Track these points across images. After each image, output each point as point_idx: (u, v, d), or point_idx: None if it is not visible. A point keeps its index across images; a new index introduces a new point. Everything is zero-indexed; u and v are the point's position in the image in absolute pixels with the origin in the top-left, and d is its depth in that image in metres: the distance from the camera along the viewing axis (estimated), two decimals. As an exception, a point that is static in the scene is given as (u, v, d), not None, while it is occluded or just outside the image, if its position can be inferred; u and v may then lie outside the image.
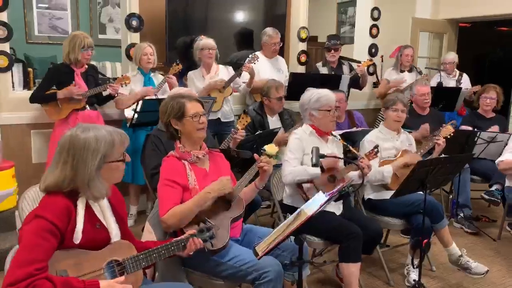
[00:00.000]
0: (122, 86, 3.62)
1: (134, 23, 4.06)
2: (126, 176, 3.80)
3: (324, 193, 2.55)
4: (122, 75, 3.67)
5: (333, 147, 2.81)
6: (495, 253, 3.53)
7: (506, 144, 3.62)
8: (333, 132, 2.85)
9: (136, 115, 3.46)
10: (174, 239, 1.88)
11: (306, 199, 2.68)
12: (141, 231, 3.59)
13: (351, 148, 2.76)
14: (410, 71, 5.00)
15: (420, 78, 4.76)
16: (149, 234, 2.19)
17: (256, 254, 1.74)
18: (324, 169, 2.58)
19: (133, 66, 4.06)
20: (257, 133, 3.19)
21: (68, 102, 3.43)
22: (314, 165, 2.24)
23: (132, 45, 4.06)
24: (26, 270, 1.43)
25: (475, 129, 3.85)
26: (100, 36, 7.02)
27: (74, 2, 6.96)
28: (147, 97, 3.59)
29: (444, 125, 3.70)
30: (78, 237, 1.59)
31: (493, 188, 3.86)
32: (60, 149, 1.64)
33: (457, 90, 4.81)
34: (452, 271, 3.12)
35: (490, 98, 4.26)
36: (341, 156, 2.80)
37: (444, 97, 4.61)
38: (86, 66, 3.54)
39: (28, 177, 3.41)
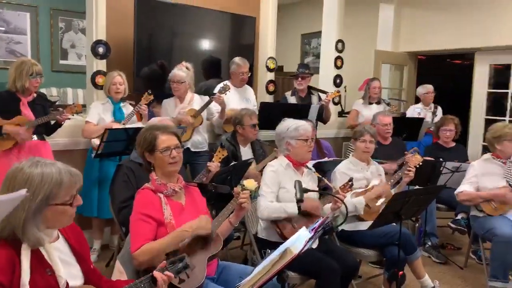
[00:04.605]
0: (73, 115, 3.48)
1: (101, 50, 3.95)
2: (91, 209, 3.63)
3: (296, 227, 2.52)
4: (73, 103, 3.53)
5: (308, 180, 2.79)
6: (463, 282, 3.58)
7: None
8: (307, 164, 2.85)
9: (101, 145, 3.33)
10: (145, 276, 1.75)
11: (281, 234, 2.63)
12: (105, 266, 3.45)
13: (326, 181, 2.75)
14: (378, 103, 5.12)
15: (390, 109, 4.87)
16: (119, 274, 2.05)
17: (238, 295, 1.66)
18: (301, 210, 2.55)
19: (98, 94, 3.94)
20: (231, 164, 3.13)
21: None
22: (298, 200, 2.20)
23: (98, 72, 3.94)
24: None
25: (441, 159, 3.96)
26: (62, 62, 6.81)
27: (35, 26, 6.75)
28: (114, 127, 3.47)
29: (406, 152, 3.80)
30: None
31: (459, 216, 3.96)
32: (4, 181, 1.48)
33: (419, 120, 4.96)
34: (424, 302, 3.12)
35: (449, 130, 4.42)
36: (317, 189, 2.78)
37: (406, 127, 4.74)
38: (34, 95, 3.35)
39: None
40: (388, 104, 5.15)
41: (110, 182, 3.35)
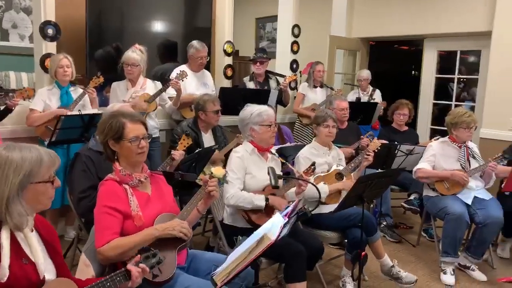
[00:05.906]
0: (24, 100, 3.29)
1: (50, 31, 3.71)
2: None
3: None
4: (23, 88, 3.34)
5: (273, 165, 2.78)
6: (416, 259, 3.77)
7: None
8: (271, 149, 2.86)
9: (55, 132, 3.16)
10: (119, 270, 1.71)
11: (248, 219, 2.64)
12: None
13: (290, 165, 2.77)
14: (321, 87, 5.23)
15: (336, 93, 4.97)
16: (85, 268, 1.97)
17: (214, 284, 1.64)
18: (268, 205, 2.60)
19: (49, 78, 3.72)
20: (196, 151, 3.08)
21: None
22: (274, 187, 2.20)
23: (48, 55, 3.72)
24: None
25: (396, 142, 4.11)
26: (2, 43, 6.33)
27: (-30, 4, 6.23)
28: (68, 113, 3.30)
29: (362, 137, 3.94)
30: (4, 273, 1.40)
31: (412, 197, 4.15)
32: None
33: (373, 105, 5.12)
34: (383, 280, 3.25)
35: (403, 114, 4.59)
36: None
37: (361, 112, 4.88)
38: None
39: None
40: (331, 89, 5.26)
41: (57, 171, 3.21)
